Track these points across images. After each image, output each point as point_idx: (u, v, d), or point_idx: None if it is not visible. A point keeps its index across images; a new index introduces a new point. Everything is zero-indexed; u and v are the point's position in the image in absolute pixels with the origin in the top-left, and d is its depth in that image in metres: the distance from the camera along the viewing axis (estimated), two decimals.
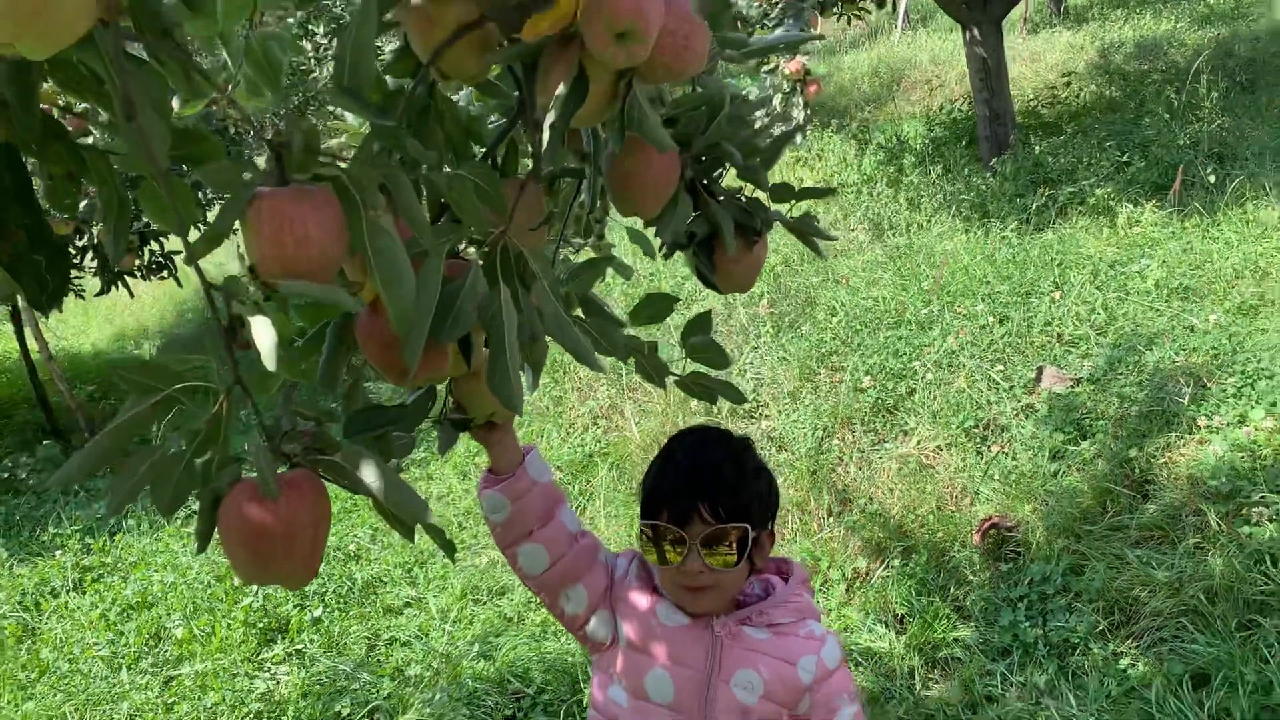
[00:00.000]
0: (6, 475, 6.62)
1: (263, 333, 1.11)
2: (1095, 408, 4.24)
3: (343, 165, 1.21)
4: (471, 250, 1.53)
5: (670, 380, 1.68)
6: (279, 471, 1.17)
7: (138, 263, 7.89)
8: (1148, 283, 5.18)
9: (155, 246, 7.93)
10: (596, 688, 1.76)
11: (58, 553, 5.29)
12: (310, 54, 10.19)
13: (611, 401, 5.95)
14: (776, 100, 6.33)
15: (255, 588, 4.59)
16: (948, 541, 4.00)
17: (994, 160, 7.77)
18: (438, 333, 1.27)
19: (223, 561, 4.83)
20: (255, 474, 1.16)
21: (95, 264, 7.49)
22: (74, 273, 7.65)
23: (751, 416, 5.29)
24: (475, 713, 3.44)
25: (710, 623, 1.65)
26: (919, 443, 4.58)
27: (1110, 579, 3.45)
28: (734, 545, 1.58)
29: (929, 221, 7.26)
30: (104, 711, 3.88)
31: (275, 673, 4.02)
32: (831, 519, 4.38)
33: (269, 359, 1.09)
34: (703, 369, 1.68)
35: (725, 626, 1.64)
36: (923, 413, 4.72)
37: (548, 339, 1.45)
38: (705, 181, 1.64)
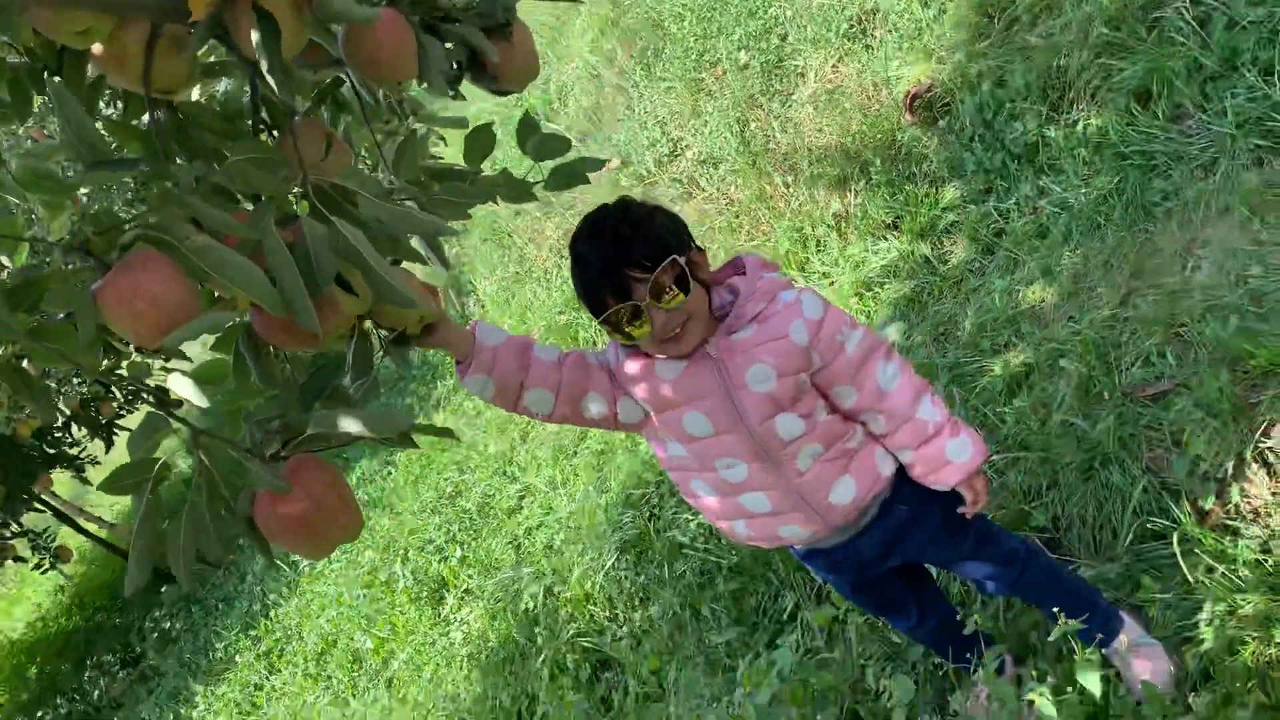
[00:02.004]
0: (157, 634, 7.02)
1: (180, 385, 1.26)
2: None
3: (139, 218, 1.31)
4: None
5: (538, 190, 1.80)
6: (278, 468, 1.35)
7: (116, 405, 8.03)
8: None
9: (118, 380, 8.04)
10: (659, 451, 1.97)
11: (237, 658, 5.68)
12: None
13: (564, 231, 6.05)
14: None
15: (401, 575, 4.92)
16: (888, 136, 4.12)
17: None
18: (314, 290, 1.40)
19: (357, 573, 5.17)
20: (264, 485, 1.33)
21: (85, 432, 7.66)
22: (75, 448, 7.82)
23: (674, 155, 5.36)
24: (623, 535, 3.74)
25: (704, 350, 1.81)
26: (816, 74, 4.63)
27: (1028, 69, 3.56)
28: (674, 281, 1.70)
29: None
30: None
31: (460, 618, 4.37)
32: (789, 189, 4.51)
33: (198, 399, 1.23)
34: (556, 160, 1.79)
35: (716, 346, 1.80)
36: (803, 47, 4.75)
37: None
38: (435, 13, 1.71)
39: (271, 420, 1.41)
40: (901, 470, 1.94)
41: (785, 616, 3.00)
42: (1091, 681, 1.90)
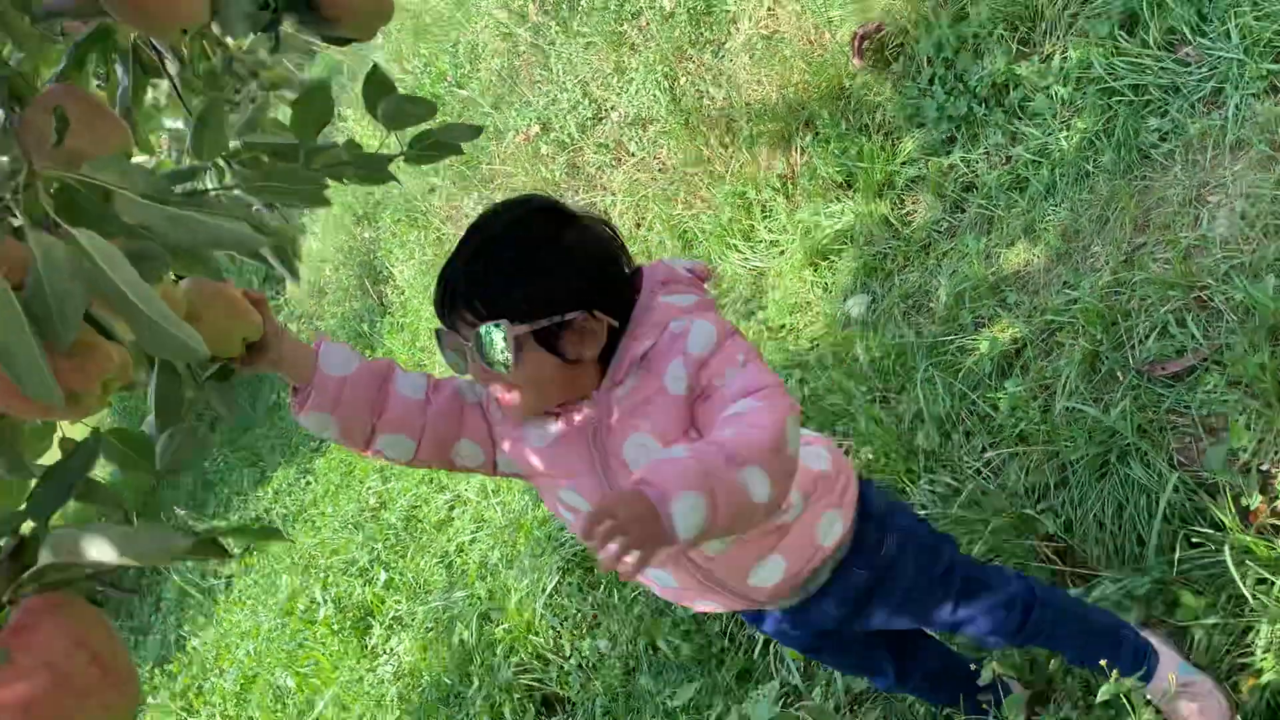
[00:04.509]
0: None
1: None
2: None
3: None
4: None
5: (397, 164, 1.34)
6: None
7: None
8: None
9: None
10: (549, 503, 1.52)
11: (151, 699, 5.16)
12: None
13: (484, 208, 5.54)
14: None
15: (323, 602, 4.43)
16: (835, 84, 3.68)
17: None
18: (58, 337, 0.94)
19: (275, 601, 4.68)
20: None
21: None
22: None
23: (598, 118, 4.87)
24: (564, 553, 3.30)
25: (580, 406, 1.37)
26: (751, 18, 4.17)
27: None
28: (500, 347, 1.27)
29: None
30: None
31: (389, 649, 3.91)
32: (728, 149, 4.06)
33: None
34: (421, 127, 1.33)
35: (597, 401, 1.35)
36: None
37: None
38: None
39: None
40: (861, 526, 1.51)
41: (757, 647, 2.59)
42: None
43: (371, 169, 1.31)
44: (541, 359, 1.29)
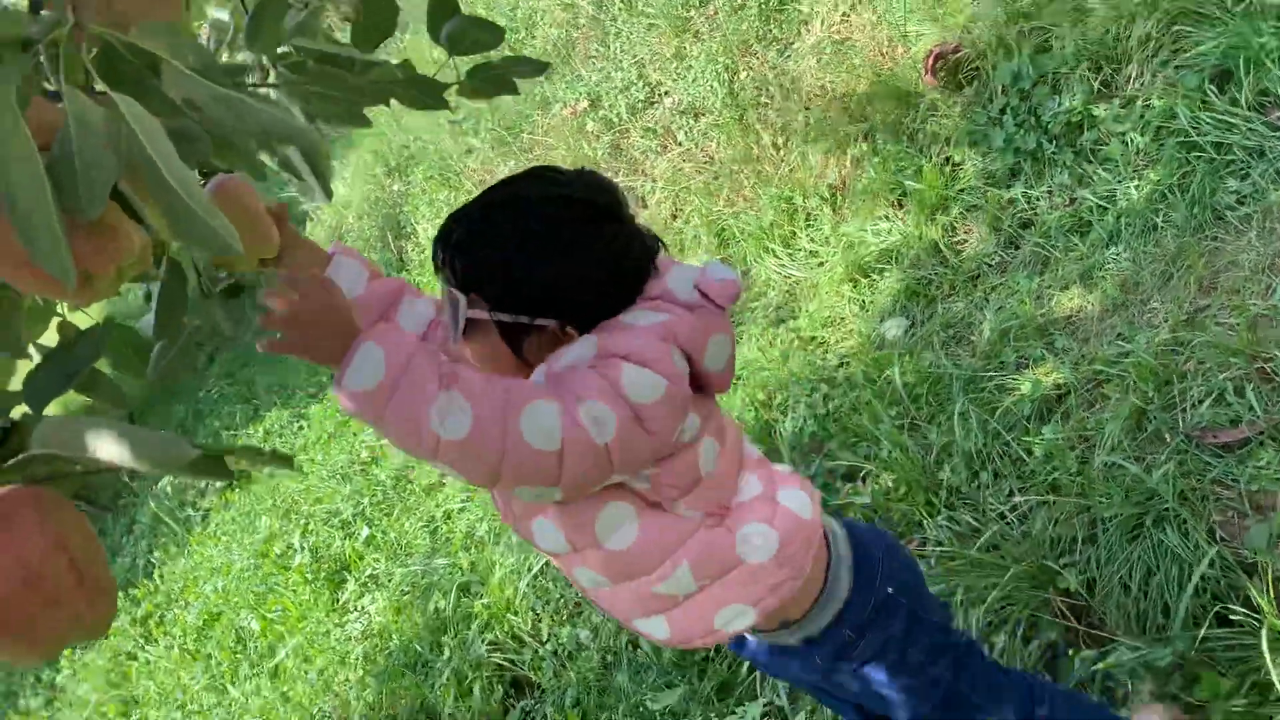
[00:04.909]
0: None
1: None
2: None
3: None
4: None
5: (451, 93, 1.24)
6: None
7: None
8: None
9: None
10: None
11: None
12: None
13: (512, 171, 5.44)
14: None
15: (300, 549, 4.34)
16: (902, 100, 3.57)
17: None
18: (81, 209, 0.84)
19: (252, 540, 4.59)
20: None
21: None
22: None
23: (650, 102, 4.77)
24: None
25: None
26: (824, 21, 4.06)
27: (1081, 33, 3.03)
28: (461, 315, 1.19)
29: None
30: None
31: (361, 607, 3.81)
32: (779, 151, 3.96)
33: None
34: (481, 58, 1.23)
35: None
36: None
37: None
38: None
39: None
40: (834, 626, 1.36)
41: (744, 664, 2.49)
42: None
43: (425, 92, 1.21)
44: (495, 346, 1.22)
